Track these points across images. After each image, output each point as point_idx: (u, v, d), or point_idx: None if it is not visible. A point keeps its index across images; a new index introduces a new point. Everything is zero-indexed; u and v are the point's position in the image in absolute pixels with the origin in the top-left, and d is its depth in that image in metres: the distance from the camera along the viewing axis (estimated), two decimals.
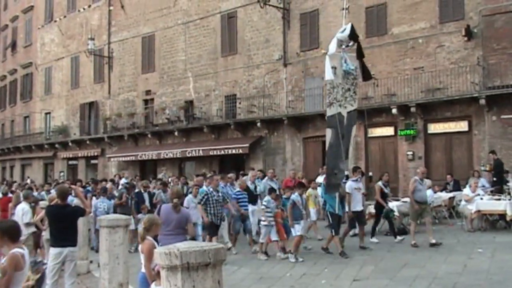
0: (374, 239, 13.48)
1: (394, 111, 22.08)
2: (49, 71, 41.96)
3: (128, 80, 35.14)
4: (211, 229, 12.33)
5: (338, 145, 12.54)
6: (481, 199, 14.53)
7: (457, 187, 18.05)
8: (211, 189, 12.55)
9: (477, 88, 20.54)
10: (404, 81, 22.46)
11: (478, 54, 20.78)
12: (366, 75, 13.93)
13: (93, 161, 37.58)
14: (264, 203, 12.52)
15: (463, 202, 15.08)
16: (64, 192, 8.10)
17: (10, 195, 18.36)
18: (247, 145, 26.79)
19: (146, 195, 15.52)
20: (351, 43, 12.99)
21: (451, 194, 17.00)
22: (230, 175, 15.87)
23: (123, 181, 19.19)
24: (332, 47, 12.94)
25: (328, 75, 12.69)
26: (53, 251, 7.84)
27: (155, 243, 6.24)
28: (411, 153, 22.25)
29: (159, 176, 19.42)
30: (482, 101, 19.89)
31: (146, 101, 34.10)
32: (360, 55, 13.48)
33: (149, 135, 32.40)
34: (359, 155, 23.84)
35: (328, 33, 25.18)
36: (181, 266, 3.45)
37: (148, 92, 33.78)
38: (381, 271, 10.08)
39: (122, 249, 7.79)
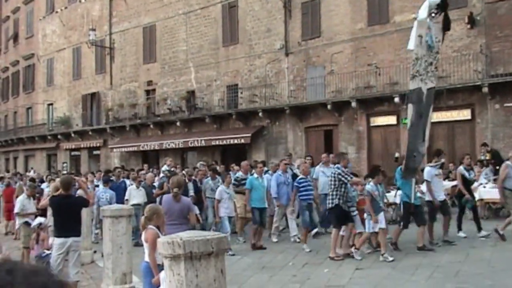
0: (462, 234, 11.90)
1: (396, 100, 22.03)
2: (51, 62, 41.92)
3: (129, 70, 35.10)
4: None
5: (418, 124, 11.24)
6: (484, 187, 14.51)
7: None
8: (255, 176, 12.38)
9: (480, 76, 20.48)
10: (406, 70, 22.36)
11: (481, 42, 20.70)
12: (447, 24, 12.41)
13: (95, 152, 37.62)
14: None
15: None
16: (68, 182, 8.13)
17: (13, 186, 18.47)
18: (249, 135, 26.78)
19: (190, 185, 14.30)
20: (438, 12, 11.46)
21: (454, 183, 16.99)
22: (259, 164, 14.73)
23: (164, 168, 17.92)
24: (423, 12, 11.14)
25: (413, 44, 11.09)
26: (57, 241, 7.87)
27: (159, 232, 6.27)
28: None
29: (164, 167, 18.28)
30: (485, 89, 19.84)
31: (147, 92, 34.06)
32: (446, 27, 12.08)
33: (151, 126, 32.41)
34: (361, 145, 23.85)
35: (330, 22, 25.13)
36: (184, 255, 3.48)
37: (149, 82, 33.74)
38: (384, 260, 10.09)
39: (125, 239, 7.82)
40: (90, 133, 36.82)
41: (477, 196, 14.12)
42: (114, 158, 35.47)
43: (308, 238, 11.93)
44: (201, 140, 28.52)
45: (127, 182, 15.76)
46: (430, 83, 11.24)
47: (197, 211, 13.24)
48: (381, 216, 10.25)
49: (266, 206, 12.56)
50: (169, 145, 30.17)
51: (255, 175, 12.63)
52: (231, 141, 27.13)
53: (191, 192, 14.06)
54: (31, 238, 11.57)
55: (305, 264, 10.09)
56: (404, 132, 22.68)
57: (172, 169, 17.58)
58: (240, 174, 13.77)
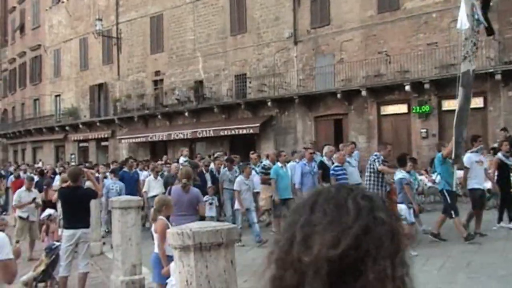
0: (507, 224, 11.37)
1: (407, 88, 21.93)
2: (57, 53, 42.02)
3: (137, 61, 35.11)
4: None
5: (465, 109, 10.84)
6: None
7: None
8: (280, 165, 12.07)
9: (492, 63, 20.32)
10: (417, 57, 22.26)
11: (493, 28, 20.47)
12: (489, 29, 12.07)
13: (103, 143, 37.76)
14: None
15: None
16: (76, 174, 8.16)
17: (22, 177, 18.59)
18: (257, 125, 26.76)
19: (208, 176, 14.08)
20: None
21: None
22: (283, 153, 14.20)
23: (182, 160, 17.41)
24: None
25: (462, 23, 10.60)
26: (66, 233, 7.93)
27: (169, 223, 6.30)
28: (424, 130, 22.13)
29: (182, 159, 17.61)
30: (498, 77, 19.70)
31: (155, 82, 34.09)
32: (486, 5, 11.64)
33: (159, 116, 32.46)
34: (372, 134, 23.79)
35: (339, 9, 24.99)
36: (194, 246, 3.49)
37: (157, 73, 33.75)
38: None
39: (134, 230, 7.87)
40: (98, 124, 36.94)
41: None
42: (122, 149, 35.58)
43: None
44: (209, 130, 28.54)
45: (141, 173, 15.77)
46: (473, 65, 11.08)
47: (217, 203, 13.27)
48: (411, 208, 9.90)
49: (291, 196, 11.91)
50: (177, 135, 30.22)
51: (279, 164, 12.23)
52: (240, 131, 27.13)
53: (209, 183, 13.88)
54: (23, 232, 11.74)
55: None
56: (415, 121, 22.62)
57: (189, 159, 17.19)
58: (267, 162, 13.44)
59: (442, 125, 22.04)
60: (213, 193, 13.31)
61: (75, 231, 7.85)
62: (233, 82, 29.22)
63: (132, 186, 14.42)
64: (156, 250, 6.42)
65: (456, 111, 10.97)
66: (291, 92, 26.34)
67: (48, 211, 10.01)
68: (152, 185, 13.90)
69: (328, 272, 1.03)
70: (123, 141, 34.53)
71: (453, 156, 10.60)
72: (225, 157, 17.14)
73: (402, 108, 23.27)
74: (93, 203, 9.70)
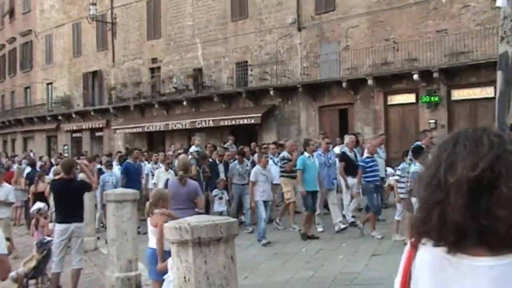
0: None
1: (415, 77, 21.89)
2: (49, 39, 41.94)
3: (133, 47, 35.05)
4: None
5: (506, 94, 10.57)
6: None
7: None
8: (307, 155, 11.53)
9: None
10: (426, 45, 22.20)
11: None
12: None
13: (98, 133, 37.78)
14: (398, 171, 10.81)
15: None
16: (70, 165, 8.16)
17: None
18: (259, 114, 26.75)
19: (221, 167, 13.76)
20: None
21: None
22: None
23: (193, 149, 16.90)
24: None
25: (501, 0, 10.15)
26: (58, 227, 7.94)
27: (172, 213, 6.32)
28: (433, 121, 22.10)
29: (193, 148, 17.07)
30: None
31: (152, 70, 34.06)
32: None
33: (156, 105, 32.45)
34: (378, 125, 23.76)
35: None
36: (192, 241, 3.50)
37: (154, 60, 33.70)
38: (401, 245, 10.10)
39: (130, 224, 7.88)
40: (92, 113, 36.93)
41: None
42: (117, 139, 35.59)
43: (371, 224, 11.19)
44: (209, 120, 28.53)
45: (146, 164, 15.61)
46: None
47: (227, 197, 13.21)
48: None
49: (318, 189, 11.56)
50: (175, 125, 30.23)
51: (306, 154, 11.58)
52: (241, 121, 27.12)
53: (222, 175, 13.62)
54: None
55: (319, 250, 10.14)
56: (423, 111, 22.59)
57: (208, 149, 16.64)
58: (285, 153, 13.11)
59: (451, 115, 22.01)
60: (223, 186, 13.11)
61: (68, 226, 7.87)
62: (233, 70, 29.17)
63: (137, 178, 14.13)
64: (150, 245, 6.43)
65: (497, 97, 10.79)
66: (294, 80, 26.30)
67: (38, 204, 10.00)
68: (162, 177, 13.34)
69: (468, 189, 1.40)
70: (118, 131, 34.53)
71: None
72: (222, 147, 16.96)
73: (410, 98, 23.24)
74: (87, 196, 9.72)
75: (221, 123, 27.99)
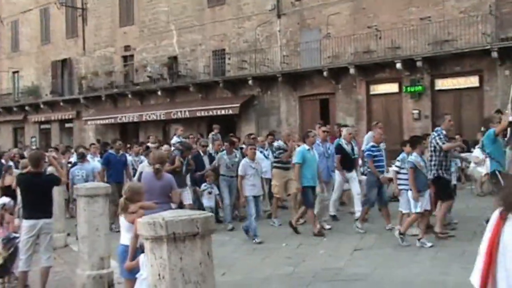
0: None
1: (398, 65, 22.01)
2: (15, 25, 41.37)
3: (104, 34, 34.74)
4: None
5: None
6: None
7: (467, 148, 18.14)
8: (306, 147, 11.08)
9: (489, 39, 20.45)
10: (409, 33, 22.32)
11: (490, 2, 20.62)
12: None
13: (68, 125, 37.45)
14: (397, 162, 10.54)
15: (472, 164, 15.16)
16: (37, 158, 8.05)
17: None
18: (237, 105, 26.71)
19: (206, 159, 13.39)
20: None
21: (460, 155, 17.05)
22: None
23: (175, 140, 16.28)
24: None
25: None
26: (26, 223, 7.83)
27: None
28: (417, 111, 22.27)
29: (175, 139, 16.59)
30: (495, 54, 19.84)
31: (125, 58, 33.82)
32: None
33: (130, 96, 32.24)
34: (361, 115, 23.88)
35: None
36: (167, 237, 3.47)
37: (127, 47, 33.46)
38: (385, 239, 10.19)
39: (102, 220, 7.81)
40: (61, 104, 36.57)
41: (484, 170, 14.17)
42: (88, 131, 35.33)
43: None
44: (185, 111, 28.43)
45: (128, 156, 15.21)
46: None
47: (216, 191, 12.72)
48: (427, 194, 9.68)
49: (318, 184, 11.25)
50: (149, 116, 30.08)
51: (306, 146, 11.12)
52: (218, 112, 27.06)
53: (207, 168, 13.22)
54: None
55: (299, 245, 10.17)
56: (406, 101, 22.74)
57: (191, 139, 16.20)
58: (281, 143, 12.91)
59: (435, 105, 22.20)
60: (212, 180, 12.74)
61: (36, 222, 7.76)
62: (210, 58, 29.07)
63: (120, 170, 13.71)
64: (123, 241, 6.38)
65: None
66: (274, 69, 26.29)
67: (3, 199, 9.85)
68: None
69: None
70: (89, 122, 34.26)
71: (508, 135, 10.72)
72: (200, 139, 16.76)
73: (393, 87, 23.39)
74: (56, 191, 9.61)
75: (198, 114, 27.91)
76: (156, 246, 3.53)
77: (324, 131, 12.27)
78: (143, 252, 4.96)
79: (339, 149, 12.27)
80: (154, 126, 31.09)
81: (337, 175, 12.24)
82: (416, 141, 10.04)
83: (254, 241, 10.56)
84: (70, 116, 36.43)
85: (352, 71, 23.33)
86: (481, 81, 21.20)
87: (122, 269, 6.44)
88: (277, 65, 26.38)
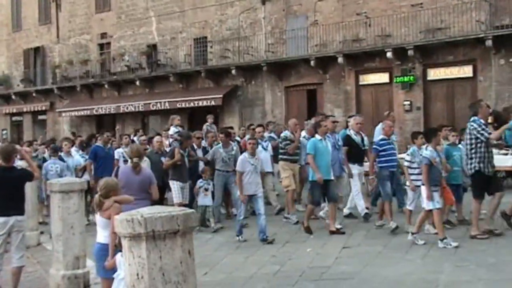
0: None
1: (389, 54, 22.08)
2: None
3: (79, 21, 34.51)
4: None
5: None
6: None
7: (460, 140, 18.25)
8: (318, 138, 10.76)
9: (483, 27, 20.57)
10: (400, 20, 22.39)
11: None
12: None
13: (41, 117, 37.21)
14: (407, 156, 10.41)
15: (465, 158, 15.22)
16: (9, 152, 7.98)
17: None
18: (220, 96, 26.68)
19: (199, 153, 12.96)
20: None
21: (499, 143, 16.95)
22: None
23: (172, 130, 15.91)
24: None
25: None
26: None
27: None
28: (408, 103, 22.38)
29: (172, 129, 16.06)
30: (489, 43, 19.97)
31: (101, 46, 33.65)
32: None
33: (106, 86, 32.08)
34: (349, 106, 23.94)
35: None
36: (146, 234, 3.46)
37: (103, 35, 33.28)
38: (374, 237, 10.23)
39: (77, 217, 7.77)
40: (34, 94, 36.31)
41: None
42: (63, 123, 35.14)
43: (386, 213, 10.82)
44: (164, 102, 28.34)
45: (119, 149, 14.73)
46: None
47: (213, 189, 12.21)
48: (439, 190, 9.45)
49: (332, 177, 10.90)
50: (127, 108, 29.97)
51: (318, 137, 10.84)
52: (200, 103, 27.00)
53: (201, 164, 12.76)
54: None
55: (285, 243, 10.18)
56: (397, 92, 22.83)
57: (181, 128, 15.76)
58: (287, 133, 12.63)
59: (427, 96, 22.32)
60: (209, 175, 12.20)
61: (7, 219, 7.71)
62: (191, 46, 28.98)
63: (108, 165, 13.17)
64: (99, 239, 6.35)
65: None
66: (258, 58, 26.27)
67: None
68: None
69: None
70: (64, 114, 34.05)
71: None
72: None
73: (383, 78, 23.46)
74: (28, 187, 9.54)
75: (178, 105, 27.82)
76: (134, 244, 3.51)
77: (333, 122, 12.07)
78: (121, 250, 4.94)
79: (347, 140, 11.91)
80: (132, 118, 30.98)
81: (355, 168, 11.80)
82: (431, 134, 9.79)
83: (238, 238, 10.52)
84: (43, 108, 36.20)
85: (340, 60, 23.36)
86: (475, 70, 21.33)
87: (99, 269, 6.42)
88: (261, 54, 26.35)
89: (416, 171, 10.04)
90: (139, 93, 30.95)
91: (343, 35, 23.90)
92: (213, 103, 26.74)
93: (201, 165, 12.87)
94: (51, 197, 8.10)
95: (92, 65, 33.36)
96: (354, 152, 11.80)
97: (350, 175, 11.79)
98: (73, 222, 7.71)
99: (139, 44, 31.13)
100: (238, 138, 14.75)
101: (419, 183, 9.79)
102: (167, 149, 13.41)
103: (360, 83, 24.07)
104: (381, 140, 11.00)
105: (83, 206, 8.08)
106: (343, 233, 10.53)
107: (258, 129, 13.99)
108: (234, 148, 12.51)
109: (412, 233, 9.47)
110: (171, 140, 14.71)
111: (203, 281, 7.77)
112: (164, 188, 12.50)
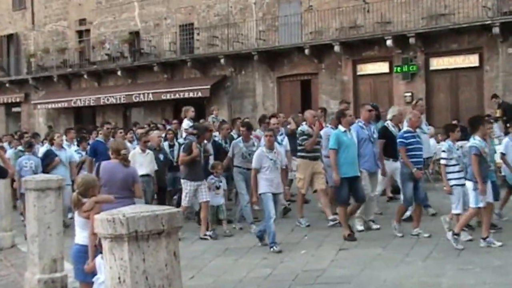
0: None
1: (388, 42, 22.10)
2: None
3: (56, 6, 34.33)
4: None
5: None
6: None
7: (464, 135, 18.31)
8: (342, 129, 10.29)
9: (490, 13, 20.62)
10: (401, 6, 22.42)
11: None
12: None
13: (15, 109, 37.02)
14: (443, 153, 10.04)
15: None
16: None
17: None
18: (208, 86, 26.64)
19: (209, 146, 12.31)
20: None
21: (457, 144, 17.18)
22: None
23: (186, 123, 15.34)
24: None
25: None
26: None
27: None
28: (409, 94, 22.40)
29: (186, 123, 15.54)
30: (496, 30, 20.02)
31: (80, 33, 33.51)
32: None
33: (85, 76, 31.95)
34: (346, 98, 23.89)
35: None
36: (128, 235, 3.46)
37: (82, 21, 33.13)
38: (372, 238, 10.26)
39: (54, 217, 7.76)
40: (7, 85, 36.10)
41: None
42: (38, 116, 34.97)
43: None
44: (148, 93, 28.28)
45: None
46: None
47: (225, 186, 11.87)
48: (489, 185, 9.25)
49: (359, 174, 10.42)
50: (108, 100, 29.86)
51: (342, 128, 10.37)
52: (186, 95, 26.97)
53: (211, 159, 12.13)
54: None
55: (278, 244, 10.17)
56: (397, 82, 22.86)
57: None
58: (305, 127, 11.95)
59: (430, 87, 22.37)
60: (222, 171, 11.77)
61: None
62: (177, 34, 28.92)
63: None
64: (77, 241, 6.35)
65: None
66: (248, 47, 26.23)
67: None
68: (139, 160, 11.67)
69: None
70: (39, 106, 33.88)
71: None
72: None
73: (383, 67, 23.49)
74: (2, 185, 9.54)
75: (163, 97, 27.77)
76: (115, 245, 3.52)
77: (368, 110, 11.42)
78: (101, 252, 4.94)
79: (385, 132, 11.33)
80: (113, 110, 30.89)
81: (389, 164, 11.28)
82: (477, 122, 9.50)
83: (272, 249, 9.68)
84: (18, 99, 36.01)
85: (336, 48, 23.36)
86: (481, 60, 21.38)
87: (77, 272, 6.41)
88: (252, 42, 26.32)
89: (456, 168, 9.71)
90: (120, 84, 30.85)
91: (339, 22, 23.91)
92: (200, 94, 26.70)
93: (211, 159, 12.31)
94: (26, 195, 8.09)
95: (70, 54, 33.18)
96: (390, 146, 10.97)
97: (383, 173, 11.23)
98: (50, 222, 7.70)
99: (120, 31, 31.01)
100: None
101: (460, 181, 9.51)
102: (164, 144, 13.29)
103: (358, 73, 24.08)
104: (406, 132, 10.27)
105: (61, 205, 8.06)
106: (355, 239, 10.10)
107: (273, 121, 13.29)
108: (255, 142, 12.10)
109: (454, 234, 9.11)
110: (184, 134, 14.26)
111: (189, 285, 7.79)
112: (164, 189, 12.53)
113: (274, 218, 9.82)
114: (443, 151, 10.06)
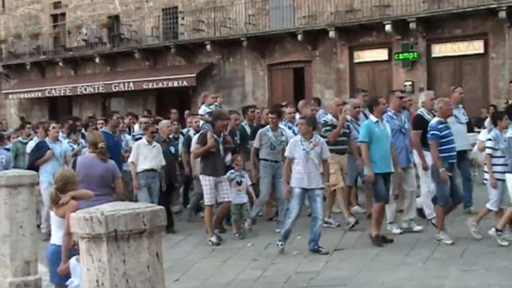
0: None
1: (387, 28, 22.12)
2: None
3: None
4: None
5: None
6: None
7: (468, 127, 18.33)
8: (374, 119, 9.78)
9: None
10: None
11: None
12: None
13: None
14: (488, 142, 9.62)
15: (475, 148, 15.32)
16: None
17: None
18: (193, 75, 26.62)
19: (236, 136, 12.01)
20: None
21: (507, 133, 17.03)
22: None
23: (203, 109, 14.88)
24: None
25: None
26: None
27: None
28: (409, 83, 22.45)
29: (203, 108, 15.04)
30: (502, 14, 20.08)
31: (55, 17, 33.40)
32: None
33: (61, 63, 31.84)
34: (342, 87, 23.99)
35: None
36: (107, 235, 3.46)
37: (57, 4, 33.00)
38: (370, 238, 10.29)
39: (27, 215, 7.75)
40: None
41: None
42: (10, 107, 34.83)
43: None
44: (128, 82, 28.23)
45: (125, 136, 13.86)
46: None
47: (248, 181, 11.31)
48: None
49: (393, 169, 9.88)
50: (85, 89, 29.78)
51: (373, 118, 9.83)
52: (170, 84, 26.93)
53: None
54: None
55: (268, 245, 10.18)
56: (397, 70, 22.90)
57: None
58: (329, 116, 11.52)
59: (431, 76, 22.42)
60: (243, 164, 11.22)
61: None
62: (159, 18, 28.86)
63: (115, 156, 11.39)
64: (53, 241, 6.34)
65: None
66: (237, 32, 26.22)
67: None
68: (144, 153, 11.43)
69: None
70: (11, 96, 33.75)
71: None
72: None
73: (382, 54, 23.52)
74: None
75: (145, 86, 27.72)
76: (93, 246, 3.52)
77: (399, 97, 11.03)
78: (78, 253, 4.94)
79: (420, 121, 10.68)
80: (91, 100, 30.82)
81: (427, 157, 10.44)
82: (500, 113, 9.30)
83: (277, 245, 9.65)
84: None
85: (332, 34, 23.36)
86: (486, 46, 21.45)
87: (53, 275, 6.42)
88: (241, 27, 26.29)
89: (501, 160, 9.29)
90: (99, 72, 30.77)
91: (334, 6, 23.90)
92: (185, 83, 26.66)
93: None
94: None
95: (44, 40, 33.04)
96: (426, 138, 10.13)
97: (425, 167, 10.46)
98: (23, 221, 7.69)
99: (98, 15, 30.92)
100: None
101: (503, 175, 9.20)
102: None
103: (355, 60, 24.10)
104: (439, 123, 9.57)
105: (34, 203, 8.05)
106: (391, 240, 9.78)
107: (288, 110, 13.05)
108: (284, 132, 11.67)
109: (497, 230, 8.94)
110: (201, 122, 13.73)
111: None
112: (171, 186, 12.21)
113: (296, 215, 9.50)
114: (489, 139, 9.60)
